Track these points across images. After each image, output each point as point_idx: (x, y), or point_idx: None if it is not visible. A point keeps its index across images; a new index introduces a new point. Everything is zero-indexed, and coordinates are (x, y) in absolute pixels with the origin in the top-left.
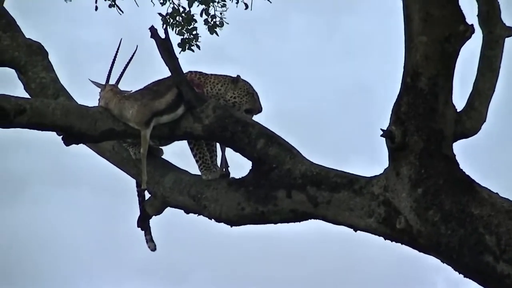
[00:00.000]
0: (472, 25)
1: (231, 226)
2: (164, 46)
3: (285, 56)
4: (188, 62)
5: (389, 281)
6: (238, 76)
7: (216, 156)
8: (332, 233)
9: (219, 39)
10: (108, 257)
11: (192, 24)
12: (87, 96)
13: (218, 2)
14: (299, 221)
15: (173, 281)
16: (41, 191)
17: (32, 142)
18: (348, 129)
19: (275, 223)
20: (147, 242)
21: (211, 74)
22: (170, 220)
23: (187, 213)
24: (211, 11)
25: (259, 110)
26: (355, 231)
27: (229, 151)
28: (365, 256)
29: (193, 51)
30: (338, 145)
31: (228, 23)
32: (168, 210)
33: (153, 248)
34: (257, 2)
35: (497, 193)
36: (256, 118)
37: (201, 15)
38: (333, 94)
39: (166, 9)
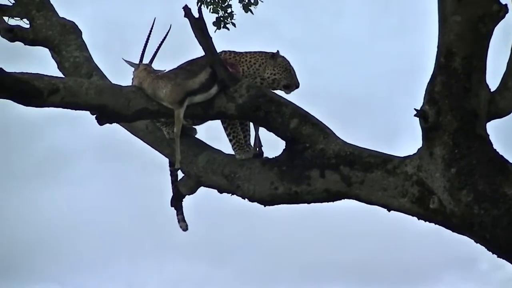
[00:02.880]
0: (505, 5)
1: (264, 206)
2: (198, 26)
3: (338, 33)
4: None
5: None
6: (278, 51)
7: (250, 135)
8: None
9: (271, 16)
10: (152, 235)
11: (227, 2)
12: (121, 76)
13: None
14: (333, 201)
15: (214, 261)
16: (88, 168)
17: (77, 118)
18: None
19: (309, 203)
20: (179, 222)
21: (246, 52)
22: (207, 200)
23: (221, 192)
24: None
25: (296, 85)
26: (389, 211)
27: (262, 131)
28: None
29: (228, 29)
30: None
31: (262, 1)
32: (202, 190)
33: (184, 228)
34: None
35: None
36: (305, 95)
37: None
38: (386, 73)
39: None
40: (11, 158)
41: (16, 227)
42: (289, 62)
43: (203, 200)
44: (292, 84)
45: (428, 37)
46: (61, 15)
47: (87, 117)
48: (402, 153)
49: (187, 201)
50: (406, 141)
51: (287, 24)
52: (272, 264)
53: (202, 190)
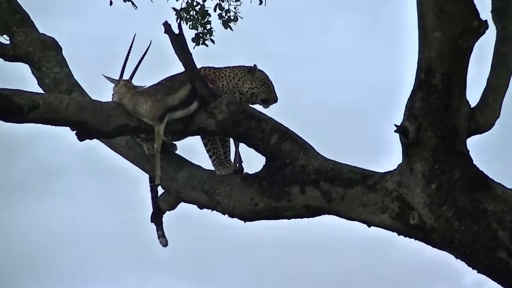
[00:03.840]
0: (485, 21)
1: (245, 222)
2: (178, 42)
3: (325, 51)
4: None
5: None
6: (255, 65)
7: (230, 151)
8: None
9: (257, 32)
10: (136, 251)
11: (206, 18)
12: (101, 92)
13: None
14: (313, 217)
15: (200, 277)
16: (73, 183)
17: (61, 133)
18: (385, 123)
19: (289, 218)
20: (158, 237)
21: (225, 67)
22: (189, 216)
23: (201, 208)
24: (225, 6)
25: (274, 100)
26: (369, 226)
27: (242, 146)
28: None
29: (207, 45)
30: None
31: (242, 18)
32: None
33: (164, 243)
34: None
35: (510, 189)
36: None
37: (214, 10)
38: (373, 88)
39: (180, 4)
40: None
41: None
42: (267, 76)
43: (185, 215)
44: (270, 98)
45: (412, 53)
46: (43, 30)
47: (70, 132)
48: (388, 167)
49: (169, 216)
50: (393, 155)
51: (273, 40)
52: (256, 279)
53: (183, 205)
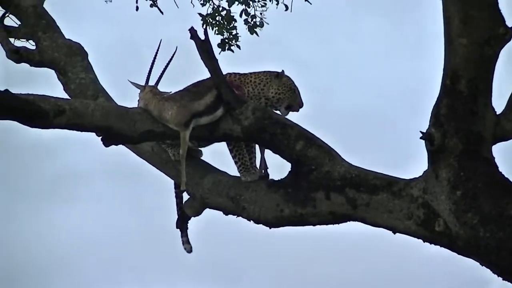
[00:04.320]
0: (511, 27)
1: (270, 228)
2: (204, 48)
3: (352, 55)
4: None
5: None
6: (282, 71)
7: (255, 157)
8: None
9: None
10: (162, 257)
11: (232, 24)
12: (127, 98)
13: (258, 1)
14: (338, 223)
15: (226, 283)
16: (101, 188)
17: (89, 139)
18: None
19: (314, 225)
20: (183, 243)
21: (251, 73)
22: (217, 220)
23: (226, 214)
24: (251, 11)
25: (300, 105)
26: (394, 233)
27: (268, 153)
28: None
29: (232, 51)
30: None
31: (268, 23)
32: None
33: (189, 250)
34: (297, 3)
35: None
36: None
37: (240, 16)
38: (399, 94)
39: (206, 9)
40: (24, 178)
41: (28, 247)
42: (293, 82)
43: (210, 222)
44: (295, 104)
45: (440, 58)
46: (69, 36)
47: (97, 138)
48: (415, 174)
49: (195, 223)
50: (419, 162)
51: (300, 45)
52: (282, 285)
53: (208, 211)
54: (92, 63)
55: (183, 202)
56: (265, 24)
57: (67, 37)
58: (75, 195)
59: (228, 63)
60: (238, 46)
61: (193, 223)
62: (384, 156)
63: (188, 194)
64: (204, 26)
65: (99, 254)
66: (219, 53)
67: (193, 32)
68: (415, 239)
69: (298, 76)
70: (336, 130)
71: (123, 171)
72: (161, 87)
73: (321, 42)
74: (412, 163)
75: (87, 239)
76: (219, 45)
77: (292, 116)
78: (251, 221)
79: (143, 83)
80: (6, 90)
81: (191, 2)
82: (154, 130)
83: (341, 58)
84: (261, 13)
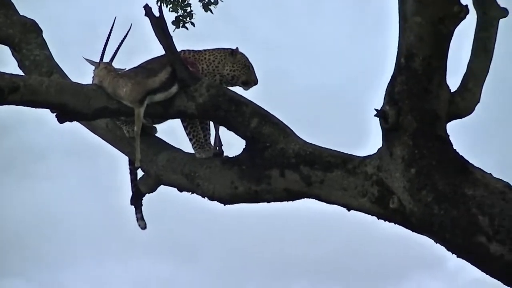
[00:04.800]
0: (466, 6)
1: (224, 205)
2: (158, 25)
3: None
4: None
5: None
6: (237, 48)
7: (210, 134)
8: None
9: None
10: (118, 233)
11: (186, 1)
12: (81, 74)
13: None
14: (293, 200)
15: (182, 260)
16: (56, 165)
17: (45, 115)
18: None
19: (268, 202)
20: (137, 220)
21: (205, 50)
22: (171, 197)
23: (181, 191)
24: None
25: (255, 82)
26: (348, 210)
27: (222, 130)
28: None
29: (187, 28)
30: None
31: (222, 1)
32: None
33: (143, 226)
34: None
35: (490, 173)
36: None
37: None
38: (360, 74)
39: None
40: None
41: None
42: (248, 59)
43: (166, 198)
44: (250, 80)
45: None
46: (24, 13)
47: (52, 114)
48: (371, 152)
49: (150, 199)
50: (376, 141)
51: (259, 24)
52: (238, 261)
53: (163, 188)
54: (47, 40)
55: (138, 179)
56: (219, 2)
57: (21, 14)
58: (30, 172)
59: (185, 40)
60: (193, 24)
61: (148, 200)
62: (343, 135)
63: (143, 171)
64: (159, 4)
65: (54, 230)
66: (173, 31)
67: (147, 9)
68: (370, 216)
69: (256, 56)
70: (295, 110)
71: (79, 148)
72: (116, 64)
73: (280, 22)
74: (370, 141)
75: (44, 215)
76: (173, 23)
77: (250, 97)
78: (206, 198)
79: (97, 60)
80: None
81: None
82: (108, 107)
83: (300, 39)
84: None
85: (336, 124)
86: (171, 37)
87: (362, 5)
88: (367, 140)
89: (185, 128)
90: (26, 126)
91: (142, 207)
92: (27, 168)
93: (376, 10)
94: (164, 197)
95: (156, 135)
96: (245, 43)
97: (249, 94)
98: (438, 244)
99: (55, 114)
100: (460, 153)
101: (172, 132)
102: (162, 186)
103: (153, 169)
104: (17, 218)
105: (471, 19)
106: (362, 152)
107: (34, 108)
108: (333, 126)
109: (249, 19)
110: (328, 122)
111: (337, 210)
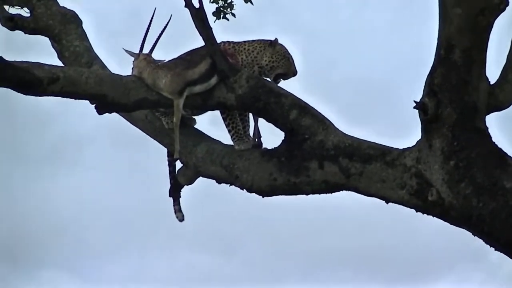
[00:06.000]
0: None
1: (263, 197)
2: (198, 16)
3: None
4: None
5: None
6: (276, 39)
7: (249, 126)
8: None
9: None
10: (161, 225)
11: None
12: (121, 65)
13: None
14: (331, 192)
15: (223, 252)
16: (103, 153)
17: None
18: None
19: (307, 194)
20: (175, 212)
21: (245, 41)
22: (212, 192)
23: (219, 183)
24: None
25: (294, 73)
26: (387, 203)
27: (262, 121)
28: None
29: (227, 19)
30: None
31: None
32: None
33: (181, 218)
34: None
35: None
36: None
37: None
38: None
39: None
40: (24, 144)
41: (28, 213)
42: (287, 50)
43: (206, 190)
44: (289, 72)
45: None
46: (64, 3)
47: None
48: (411, 145)
49: (191, 190)
50: (417, 132)
51: (306, 13)
52: (278, 253)
53: (203, 180)
54: (87, 31)
55: (176, 171)
56: None
57: (61, 4)
58: (76, 161)
59: (224, 31)
60: (233, 15)
61: (189, 191)
62: (387, 126)
63: (182, 163)
64: None
65: (99, 220)
66: (214, 22)
67: (187, 1)
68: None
69: (303, 45)
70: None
71: (124, 137)
72: (155, 56)
73: (327, 11)
74: (413, 133)
75: (88, 205)
76: (214, 14)
77: (293, 86)
78: (244, 190)
79: (137, 52)
80: (0, 57)
81: None
82: (148, 98)
83: (347, 28)
84: None
85: (380, 115)
86: (211, 28)
87: None
88: (410, 132)
89: (224, 119)
90: (71, 115)
91: (181, 199)
92: (72, 158)
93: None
94: (205, 189)
95: (195, 126)
96: (291, 33)
97: (294, 83)
98: (475, 237)
99: (94, 105)
100: (499, 146)
101: (211, 123)
102: (201, 178)
103: (192, 161)
104: (61, 207)
105: None
106: (404, 144)
107: (73, 100)
108: (377, 117)
109: (295, 9)
110: (372, 112)
111: (378, 202)
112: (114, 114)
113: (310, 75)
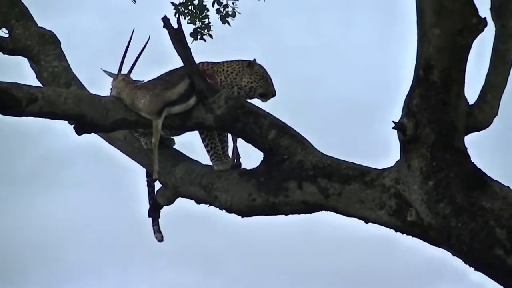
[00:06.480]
0: (485, 18)
1: (242, 217)
2: (177, 36)
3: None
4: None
5: None
6: (254, 60)
7: (228, 146)
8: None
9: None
10: (143, 244)
11: (204, 13)
12: (99, 86)
13: None
14: (310, 213)
15: (205, 271)
16: (82, 173)
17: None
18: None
19: (286, 214)
20: (154, 232)
21: (223, 62)
22: (192, 209)
23: (198, 203)
24: (223, 1)
25: (273, 94)
26: (366, 223)
27: (240, 142)
28: None
29: (205, 40)
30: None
31: (240, 13)
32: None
33: (160, 238)
34: None
35: (508, 186)
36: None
37: (212, 5)
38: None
39: None
40: (5, 163)
41: (7, 233)
42: (265, 71)
43: (185, 210)
44: (268, 92)
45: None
46: (42, 24)
47: None
48: (391, 165)
49: (172, 210)
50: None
51: (291, 32)
52: (260, 273)
53: (182, 201)
54: (64, 52)
55: (156, 191)
56: (237, 14)
57: (40, 25)
58: (57, 181)
59: (201, 52)
60: (211, 36)
61: (169, 211)
62: (367, 146)
63: (160, 183)
64: (177, 15)
65: (80, 239)
66: (191, 43)
67: (166, 21)
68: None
69: (287, 64)
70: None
71: (105, 157)
72: (134, 76)
73: (312, 30)
74: (393, 154)
75: (68, 225)
76: (191, 34)
77: (272, 106)
78: (223, 210)
79: (115, 72)
80: None
81: None
82: (126, 119)
83: (332, 46)
84: (233, 3)
85: (361, 134)
86: (189, 49)
87: (392, 13)
88: (391, 152)
89: (203, 140)
90: (53, 135)
91: (160, 219)
92: (53, 177)
93: (405, 19)
94: (185, 209)
95: (174, 147)
96: (277, 51)
97: (276, 101)
98: (455, 257)
99: (73, 125)
100: (478, 166)
101: (190, 144)
102: (180, 199)
103: (171, 181)
104: (42, 226)
105: (490, 31)
106: (385, 165)
107: (52, 120)
108: (358, 137)
109: (280, 28)
110: (353, 132)
111: (355, 223)
112: (94, 134)
113: (296, 91)
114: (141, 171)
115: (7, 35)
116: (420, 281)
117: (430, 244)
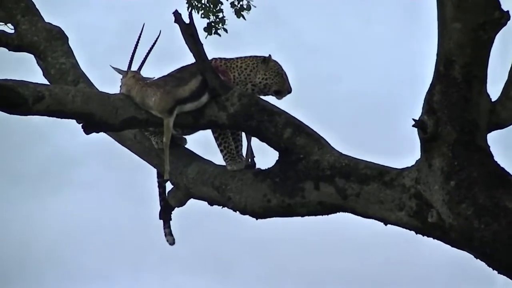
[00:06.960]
0: (507, 11)
1: (256, 219)
2: (188, 32)
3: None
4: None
5: None
6: (269, 55)
7: (242, 145)
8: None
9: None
10: (154, 246)
11: (218, 6)
12: (108, 83)
13: None
14: (327, 214)
15: (217, 274)
16: (93, 173)
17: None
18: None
19: (302, 216)
20: (165, 235)
21: (237, 58)
22: (208, 213)
23: (211, 205)
24: None
25: (288, 91)
26: (385, 224)
27: (255, 140)
28: None
29: (219, 35)
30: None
31: (255, 6)
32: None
33: (171, 242)
34: None
35: None
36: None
37: None
38: (408, 81)
39: None
40: (15, 162)
41: (19, 231)
42: (281, 67)
43: (198, 211)
44: (284, 89)
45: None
46: (49, 19)
47: None
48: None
49: (184, 212)
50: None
51: (310, 28)
52: (274, 275)
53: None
54: (73, 48)
55: (167, 192)
56: (252, 7)
57: (46, 20)
58: (67, 180)
59: (216, 47)
60: (226, 30)
61: (179, 214)
62: (387, 144)
63: (172, 184)
64: (189, 9)
65: (91, 240)
66: (205, 38)
67: (177, 16)
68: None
69: (306, 61)
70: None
71: (116, 156)
72: (144, 73)
73: (331, 25)
74: (416, 151)
75: (79, 224)
76: (205, 29)
77: (287, 103)
78: (237, 212)
79: (125, 69)
80: None
81: None
82: (136, 117)
83: (352, 42)
84: None
85: (382, 132)
86: (202, 44)
87: (412, 8)
88: (414, 151)
89: (216, 139)
90: (62, 134)
91: (171, 222)
92: (64, 176)
93: (425, 13)
94: (199, 211)
95: (186, 146)
96: (293, 46)
97: (293, 99)
98: (477, 259)
99: (81, 124)
100: (501, 165)
101: (203, 143)
102: (192, 200)
103: (183, 182)
104: (53, 226)
105: None
106: (407, 163)
107: (59, 119)
108: (379, 134)
109: (297, 21)
110: (374, 129)
111: (373, 223)
112: (104, 133)
113: (313, 89)
114: (153, 171)
115: (12, 31)
116: (443, 284)
117: (452, 246)
